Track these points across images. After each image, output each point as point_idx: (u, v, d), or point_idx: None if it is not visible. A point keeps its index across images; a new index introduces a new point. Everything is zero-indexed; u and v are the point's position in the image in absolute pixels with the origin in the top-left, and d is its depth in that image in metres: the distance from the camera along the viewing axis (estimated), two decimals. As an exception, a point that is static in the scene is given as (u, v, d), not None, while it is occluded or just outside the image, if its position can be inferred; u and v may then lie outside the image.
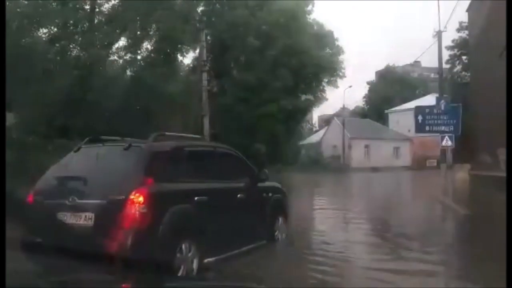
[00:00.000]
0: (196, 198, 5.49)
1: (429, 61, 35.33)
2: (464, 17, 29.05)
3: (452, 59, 43.42)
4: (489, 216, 10.98)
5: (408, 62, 59.50)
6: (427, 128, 14.58)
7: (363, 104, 67.52)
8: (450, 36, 41.37)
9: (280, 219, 7.43)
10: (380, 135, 48.40)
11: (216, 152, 6.74)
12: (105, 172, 5.36)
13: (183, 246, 5.15)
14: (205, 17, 27.54)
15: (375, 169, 40.29)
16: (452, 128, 14.10)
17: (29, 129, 15.21)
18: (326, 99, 36.71)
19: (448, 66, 40.64)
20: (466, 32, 34.57)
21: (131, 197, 4.83)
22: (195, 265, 5.24)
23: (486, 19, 20.54)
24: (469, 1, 23.69)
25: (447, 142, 14.21)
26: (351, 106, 61.72)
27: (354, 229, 9.65)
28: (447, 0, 18.53)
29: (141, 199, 4.83)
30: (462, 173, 20.47)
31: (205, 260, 5.33)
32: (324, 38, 32.50)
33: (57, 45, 18.45)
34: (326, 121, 57.58)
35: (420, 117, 14.63)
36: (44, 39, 18.47)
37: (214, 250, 5.52)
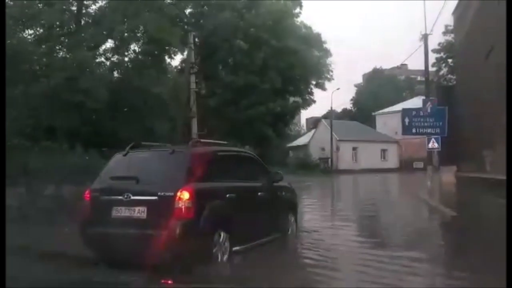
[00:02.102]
0: (227, 195, 6.42)
1: (416, 64, 35.64)
2: (450, 21, 29.41)
3: (438, 62, 43.91)
4: (475, 217, 11.14)
5: (395, 65, 60.03)
6: (414, 130, 14.71)
7: (351, 106, 67.94)
8: (437, 39, 41.92)
9: (291, 215, 8.31)
10: (368, 137, 48.71)
11: (240, 155, 7.82)
12: (154, 173, 6.26)
13: (218, 235, 6.06)
14: (193, 19, 27.49)
15: (362, 171, 40.52)
16: (438, 130, 14.23)
17: (15, 131, 15.03)
18: (314, 101, 36.91)
19: (434, 69, 41.09)
20: (452, 35, 35.01)
21: (178, 194, 5.72)
22: (226, 251, 6.16)
23: (471, 22, 20.80)
24: (455, 5, 23.98)
25: (434, 144, 14.35)
26: (339, 108, 62.01)
27: (341, 229, 9.89)
28: (434, 1, 18.68)
29: (186, 195, 5.73)
30: (448, 175, 20.63)
31: (234, 248, 6.27)
32: (312, 41, 32.62)
33: (44, 46, 18.26)
34: (314, 123, 57.76)
35: (407, 119, 14.75)
36: (30, 40, 18.28)
37: (241, 240, 6.44)
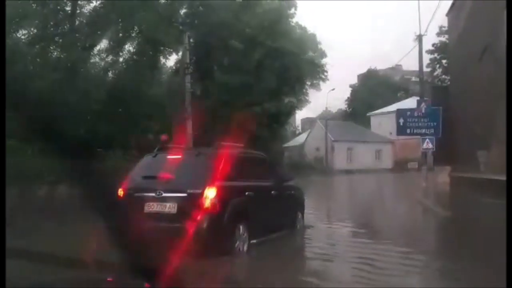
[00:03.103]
0: (246, 193, 7.11)
1: (410, 64, 35.78)
2: (444, 21, 29.53)
3: (433, 63, 44.09)
4: (469, 217, 11.20)
5: (390, 66, 60.21)
6: (408, 130, 14.79)
7: (346, 107, 68.05)
8: (431, 40, 42.08)
9: (299, 212, 9.10)
10: (362, 138, 48.81)
11: (256, 157, 8.50)
12: (183, 172, 6.89)
13: (239, 229, 6.76)
14: (188, 19, 27.43)
15: (357, 172, 40.60)
16: (432, 131, 14.31)
17: (8, 133, 14.93)
18: (309, 102, 36.90)
19: (428, 69, 41.25)
20: (446, 36, 35.15)
21: (206, 191, 6.44)
22: (245, 243, 6.88)
23: (465, 23, 20.90)
24: (449, 6, 24.08)
25: (428, 144, 14.42)
26: (334, 108, 62.18)
27: (340, 226, 10.36)
28: (428, 3, 18.75)
29: (213, 193, 6.43)
30: (442, 175, 20.72)
31: (251, 241, 6.96)
32: (307, 41, 32.65)
33: (37, 46, 18.15)
34: (309, 123, 57.80)
35: (401, 120, 14.82)
36: (23, 40, 18.16)
37: (257, 233, 7.12)
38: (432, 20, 35.57)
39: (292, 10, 31.86)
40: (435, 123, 14.31)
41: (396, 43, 72.07)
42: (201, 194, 6.43)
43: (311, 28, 35.76)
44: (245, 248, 6.85)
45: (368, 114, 57.04)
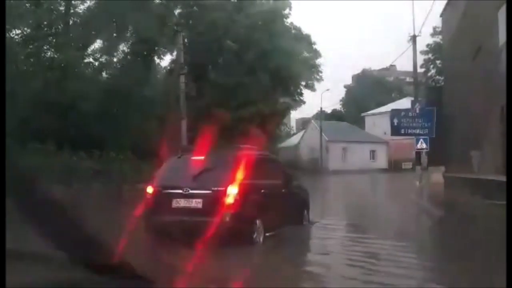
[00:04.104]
0: (262, 191, 7.92)
1: (404, 65, 35.89)
2: (438, 22, 29.62)
3: (427, 63, 44.25)
4: (462, 217, 11.28)
5: (384, 66, 60.38)
6: (402, 131, 14.82)
7: (340, 107, 68.17)
8: (425, 40, 42.19)
9: (305, 209, 9.84)
10: (357, 138, 48.90)
11: (268, 158, 9.34)
12: (207, 172, 7.49)
13: (256, 222, 7.47)
14: (183, 20, 27.37)
15: (352, 172, 40.67)
16: (426, 131, 14.34)
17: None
18: (304, 102, 36.90)
19: (422, 70, 41.39)
20: (440, 37, 35.28)
21: (228, 189, 7.17)
22: (261, 235, 7.56)
23: (459, 24, 20.98)
24: (443, 6, 24.16)
25: (422, 144, 14.46)
26: (328, 109, 62.11)
27: (337, 224, 10.85)
28: (423, 3, 18.85)
29: (235, 190, 7.17)
30: (436, 175, 20.76)
31: (266, 234, 7.64)
32: (301, 42, 32.66)
33: (31, 46, 18.08)
34: (304, 124, 57.88)
35: (395, 120, 14.85)
36: (17, 40, 18.07)
37: (271, 227, 7.82)
38: (426, 21, 35.72)
39: (287, 11, 31.86)
40: (429, 124, 14.35)
41: (391, 44, 72.44)
42: (224, 191, 7.16)
43: (305, 28, 35.87)
44: (261, 239, 7.55)
45: (362, 115, 57.18)
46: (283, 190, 8.79)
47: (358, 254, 7.14)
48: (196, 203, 7.28)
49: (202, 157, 7.78)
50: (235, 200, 7.12)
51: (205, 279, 3.75)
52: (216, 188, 7.29)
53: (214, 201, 7.13)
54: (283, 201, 8.63)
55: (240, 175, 7.31)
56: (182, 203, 7.34)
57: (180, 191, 7.35)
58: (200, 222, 6.76)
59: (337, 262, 6.85)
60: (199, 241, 6.05)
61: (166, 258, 5.78)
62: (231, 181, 7.22)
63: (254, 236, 7.42)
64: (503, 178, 14.05)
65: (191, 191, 7.31)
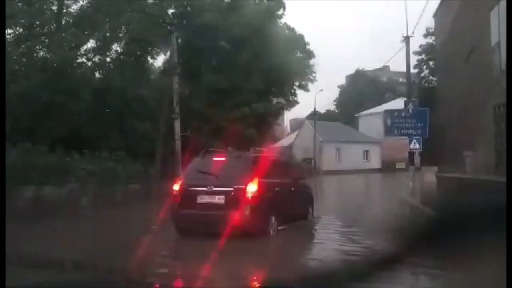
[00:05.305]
0: (275, 189, 8.77)
1: (398, 65, 35.98)
2: (431, 23, 29.75)
3: (420, 64, 44.36)
4: (454, 216, 11.32)
5: (378, 67, 60.54)
6: (395, 131, 14.85)
7: (334, 108, 68.25)
8: (418, 41, 42.32)
9: (310, 206, 10.77)
10: (351, 138, 49.00)
11: (280, 159, 10.55)
12: (228, 171, 8.41)
13: (271, 217, 8.35)
14: (176, 20, 27.29)
15: (345, 172, 40.73)
16: (420, 131, 14.37)
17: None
18: (298, 103, 36.87)
19: (416, 70, 41.50)
20: (433, 37, 35.42)
21: (248, 187, 8.04)
22: (275, 228, 8.46)
23: (451, 25, 21.08)
24: (436, 7, 24.26)
25: (415, 145, 14.49)
26: (322, 109, 62.13)
27: (333, 221, 11.70)
28: (416, 4, 18.91)
29: (254, 188, 8.03)
30: (429, 175, 20.83)
31: (279, 227, 8.55)
32: (295, 42, 32.66)
33: (23, 46, 17.94)
34: (297, 124, 57.86)
35: (389, 121, 14.88)
36: (9, 40, 17.93)
37: (282, 222, 8.72)
38: (419, 22, 35.87)
39: (281, 11, 31.84)
40: (422, 124, 14.38)
41: (384, 44, 72.66)
42: (244, 189, 8.02)
43: (299, 28, 35.85)
44: (275, 232, 8.45)
45: (356, 115, 57.29)
46: (292, 189, 9.74)
47: (347, 243, 8.62)
48: (219, 199, 8.13)
49: (223, 158, 8.81)
50: (254, 197, 7.98)
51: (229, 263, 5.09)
52: (236, 186, 8.14)
53: (235, 197, 8.02)
54: (292, 198, 9.54)
55: (257, 174, 8.21)
56: (206, 199, 8.22)
57: (205, 188, 8.24)
58: (223, 216, 7.65)
59: (333, 252, 7.88)
60: (221, 232, 6.65)
61: (194, 248, 6.99)
62: (250, 180, 8.09)
63: (269, 229, 8.31)
64: (495, 178, 14.15)
65: (214, 189, 8.17)
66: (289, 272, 5.67)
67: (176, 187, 8.63)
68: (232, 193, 8.13)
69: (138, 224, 10.77)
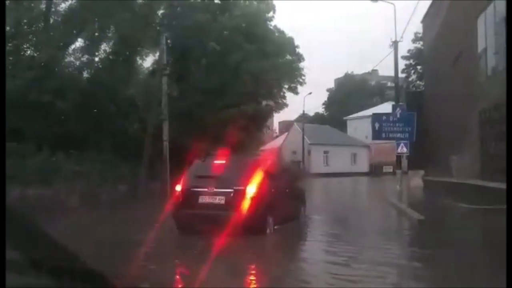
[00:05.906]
0: (272, 190, 9.02)
1: (386, 70, 36.35)
2: (419, 28, 30.04)
3: (408, 69, 44.82)
4: (441, 220, 11.46)
5: (366, 70, 60.92)
6: (383, 135, 14.91)
7: (323, 111, 68.55)
8: (406, 46, 42.75)
9: (302, 207, 11.18)
10: (339, 142, 49.24)
11: (278, 162, 10.84)
12: (228, 173, 8.73)
13: (268, 217, 8.72)
14: (166, 20, 27.21)
15: (333, 175, 40.90)
16: (407, 135, 14.47)
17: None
18: (287, 105, 36.92)
19: (404, 75, 41.91)
20: (421, 42, 35.78)
21: (247, 188, 8.42)
22: (272, 228, 8.85)
23: (439, 30, 21.32)
24: (424, 13, 24.52)
25: (403, 148, 14.59)
26: (311, 112, 62.44)
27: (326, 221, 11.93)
28: (404, 9, 19.08)
29: (253, 189, 8.41)
30: (416, 179, 21.05)
31: (275, 227, 8.96)
32: (285, 45, 32.72)
33: (10, 44, 17.73)
34: (286, 127, 58.00)
35: (377, 124, 14.95)
36: (-5, 38, 17.71)
37: (278, 221, 9.14)
38: (407, 27, 36.20)
39: (271, 14, 31.89)
40: (409, 128, 14.48)
41: (373, 48, 73.05)
42: (244, 190, 8.38)
43: (289, 31, 35.83)
44: (271, 231, 8.82)
45: (344, 118, 57.59)
46: (286, 190, 10.07)
47: (335, 244, 8.88)
48: (219, 200, 8.50)
49: (223, 161, 9.12)
50: (252, 198, 8.32)
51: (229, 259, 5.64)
52: (236, 188, 8.48)
53: (234, 198, 8.37)
54: (286, 199, 9.90)
55: (256, 176, 8.57)
56: (207, 199, 8.58)
57: (206, 189, 8.62)
58: (223, 215, 7.94)
59: (324, 248, 8.50)
60: (221, 231, 6.93)
61: (198, 243, 7.37)
62: (249, 182, 8.47)
63: (267, 228, 8.66)
64: (480, 183, 14.33)
65: (215, 190, 8.54)
66: (286, 269, 6.43)
67: (178, 187, 9.01)
68: (232, 194, 8.48)
69: (125, 224, 10.70)
